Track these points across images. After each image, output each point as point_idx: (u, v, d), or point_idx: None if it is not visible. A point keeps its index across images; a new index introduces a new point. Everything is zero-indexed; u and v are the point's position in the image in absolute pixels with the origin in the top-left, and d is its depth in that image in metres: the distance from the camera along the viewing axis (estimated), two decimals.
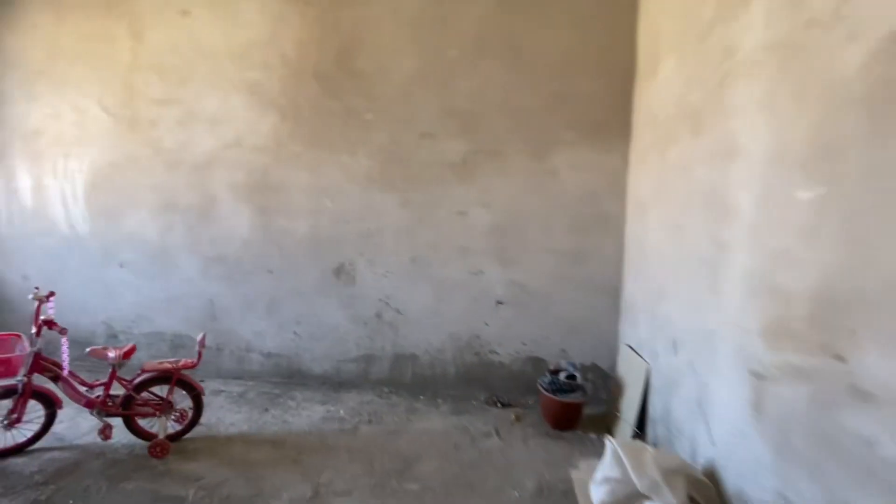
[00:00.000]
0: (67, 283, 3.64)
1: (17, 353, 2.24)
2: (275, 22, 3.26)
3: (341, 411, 2.97)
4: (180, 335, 3.55)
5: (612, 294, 3.09)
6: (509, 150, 3.12)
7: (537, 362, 3.20)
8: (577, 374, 2.90)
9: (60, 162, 3.56)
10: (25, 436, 2.38)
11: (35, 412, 2.39)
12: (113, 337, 3.62)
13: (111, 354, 2.37)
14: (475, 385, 3.26)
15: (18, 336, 2.32)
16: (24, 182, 3.61)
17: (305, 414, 2.93)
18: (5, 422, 2.28)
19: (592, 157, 3.05)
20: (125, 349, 2.43)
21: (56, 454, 2.37)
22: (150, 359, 3.58)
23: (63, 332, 2.35)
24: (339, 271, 3.35)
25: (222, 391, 3.24)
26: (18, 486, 2.08)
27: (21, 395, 2.27)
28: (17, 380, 2.25)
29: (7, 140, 3.61)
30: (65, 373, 2.38)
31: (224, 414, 2.90)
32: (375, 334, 3.35)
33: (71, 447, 2.45)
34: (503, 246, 3.17)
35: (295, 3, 3.23)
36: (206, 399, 3.07)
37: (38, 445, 2.41)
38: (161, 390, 2.49)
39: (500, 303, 3.20)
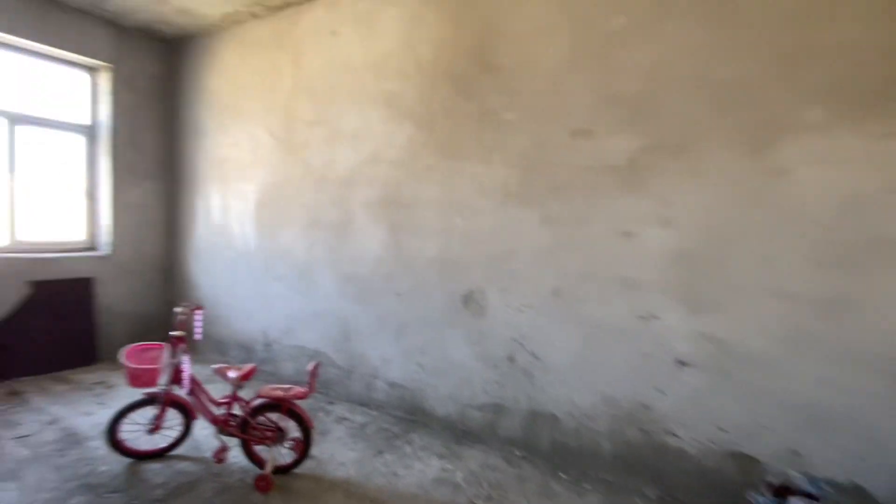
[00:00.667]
0: (238, 292, 4.05)
1: (160, 364, 2.35)
2: (410, 26, 3.01)
3: (458, 475, 2.42)
4: (319, 352, 3.55)
5: None
6: (705, 142, 2.16)
7: (745, 462, 2.10)
8: (823, 497, 1.76)
9: (239, 184, 3.99)
10: (167, 441, 2.51)
11: (177, 419, 2.51)
12: (268, 345, 3.85)
13: (231, 375, 2.32)
14: (640, 473, 2.33)
15: (161, 346, 2.45)
16: (216, 202, 4.17)
17: (418, 468, 2.48)
18: (149, 427, 2.44)
19: (859, 146, 1.87)
20: (245, 370, 2.36)
21: (185, 466, 2.42)
22: (295, 373, 3.71)
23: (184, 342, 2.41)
24: (467, 299, 2.85)
25: (345, 419, 3.05)
26: (140, 499, 2.12)
27: (161, 403, 2.39)
28: (157, 389, 2.38)
29: (205, 166, 4.24)
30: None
31: (339, 449, 2.66)
32: (507, 380, 2.73)
33: (200, 459, 2.49)
34: (691, 281, 2.20)
35: (429, 2, 2.93)
36: (327, 426, 2.93)
37: (176, 452, 2.53)
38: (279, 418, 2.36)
39: (682, 363, 2.23)
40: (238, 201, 4.02)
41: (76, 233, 4.06)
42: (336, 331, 3.45)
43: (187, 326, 2.49)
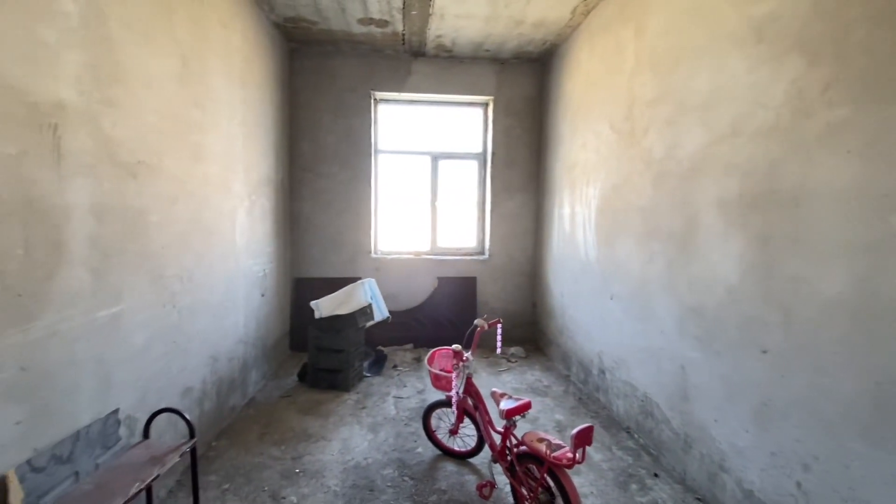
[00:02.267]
0: (580, 305, 3.75)
1: (455, 372, 2.41)
2: None
3: None
4: (648, 398, 2.72)
5: None
6: None
7: None
8: None
9: (584, 189, 3.68)
10: (468, 446, 2.58)
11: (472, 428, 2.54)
12: (602, 372, 3.35)
13: (502, 406, 2.07)
14: None
15: (460, 353, 2.50)
16: (567, 209, 4.04)
17: None
18: (450, 428, 2.57)
19: None
20: (518, 404, 2.06)
21: (468, 480, 2.39)
22: (625, 414, 3.05)
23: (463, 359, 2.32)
24: None
25: None
26: (418, 497, 2.24)
27: (457, 409, 2.46)
28: (453, 395, 2.45)
29: (561, 174, 4.18)
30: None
31: None
32: None
33: (478, 474, 2.41)
34: None
35: None
36: None
37: (473, 460, 2.56)
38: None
39: None
40: (582, 207, 3.72)
41: (470, 240, 5.03)
42: (671, 379, 2.52)
43: (482, 339, 2.45)
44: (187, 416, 1.67)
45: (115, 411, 1.84)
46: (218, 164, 2.80)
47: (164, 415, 2.02)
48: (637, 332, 2.88)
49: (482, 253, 4.94)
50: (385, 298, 4.56)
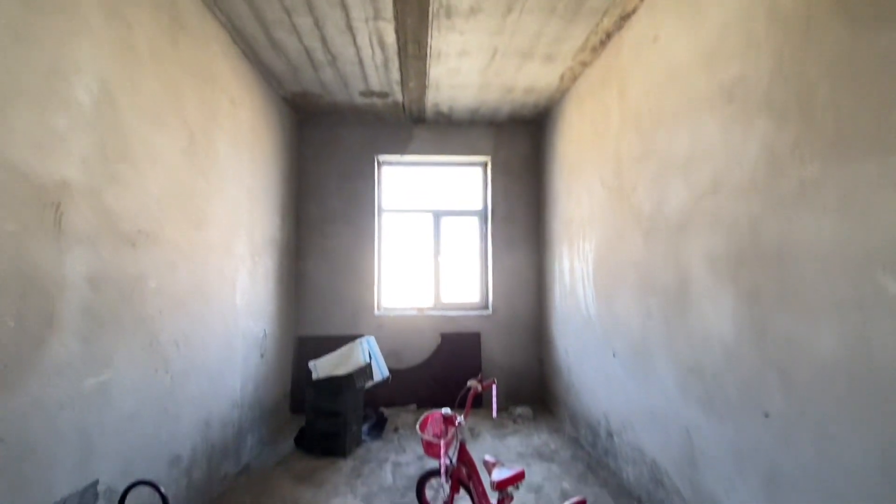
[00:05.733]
0: (585, 362, 3.64)
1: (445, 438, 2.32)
2: None
3: None
4: (657, 465, 2.56)
5: None
6: None
7: None
8: None
9: (581, 243, 3.69)
10: None
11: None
12: (609, 435, 3.18)
13: (493, 477, 1.97)
14: None
15: (451, 417, 2.41)
16: (566, 264, 4.04)
17: None
18: (444, 500, 2.43)
19: None
20: (511, 475, 1.95)
21: None
22: (636, 482, 2.85)
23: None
24: None
25: None
26: None
27: (448, 479, 2.33)
28: (445, 463, 2.34)
29: (559, 229, 4.22)
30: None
31: None
32: None
33: None
34: None
35: None
36: None
37: None
38: None
39: None
40: (580, 262, 3.72)
41: (473, 295, 5.01)
42: (677, 445, 2.37)
43: (474, 402, 2.37)
44: (163, 490, 1.62)
45: (95, 483, 1.80)
46: (220, 229, 2.91)
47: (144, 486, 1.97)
48: (640, 392, 2.76)
49: (486, 308, 4.90)
50: (387, 356, 4.50)
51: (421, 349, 4.65)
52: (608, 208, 3.20)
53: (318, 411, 3.46)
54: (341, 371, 3.39)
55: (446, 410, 2.27)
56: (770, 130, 1.77)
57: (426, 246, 4.97)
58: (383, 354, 4.55)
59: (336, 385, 3.43)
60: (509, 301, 4.80)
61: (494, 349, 4.73)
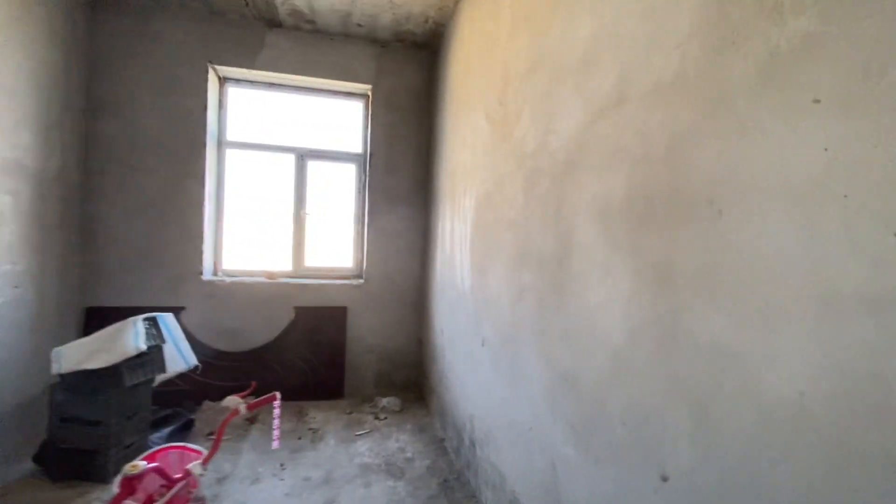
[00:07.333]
0: (456, 348, 2.88)
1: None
2: None
3: None
4: (518, 501, 1.85)
5: None
6: None
7: None
8: None
9: (462, 199, 2.86)
10: None
11: None
12: (472, 445, 2.46)
13: None
14: None
15: (199, 453, 1.50)
16: (448, 224, 3.20)
17: None
18: None
19: None
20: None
21: None
22: None
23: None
24: None
25: None
26: None
27: None
28: None
29: (444, 181, 3.36)
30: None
31: None
32: None
33: None
34: None
35: None
36: None
37: None
38: None
39: None
40: (460, 222, 2.89)
41: (346, 260, 4.05)
42: (540, 481, 1.65)
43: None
44: None
45: None
46: None
47: None
48: (506, 396, 2.03)
49: (359, 276, 3.97)
50: (218, 336, 3.45)
51: (268, 327, 3.63)
52: (490, 150, 2.36)
53: (67, 419, 2.36)
54: (97, 363, 2.29)
55: (196, 447, 1.33)
56: None
57: (286, 195, 3.88)
58: (213, 332, 3.49)
59: (94, 382, 2.33)
60: (386, 269, 3.91)
61: (364, 327, 3.85)
